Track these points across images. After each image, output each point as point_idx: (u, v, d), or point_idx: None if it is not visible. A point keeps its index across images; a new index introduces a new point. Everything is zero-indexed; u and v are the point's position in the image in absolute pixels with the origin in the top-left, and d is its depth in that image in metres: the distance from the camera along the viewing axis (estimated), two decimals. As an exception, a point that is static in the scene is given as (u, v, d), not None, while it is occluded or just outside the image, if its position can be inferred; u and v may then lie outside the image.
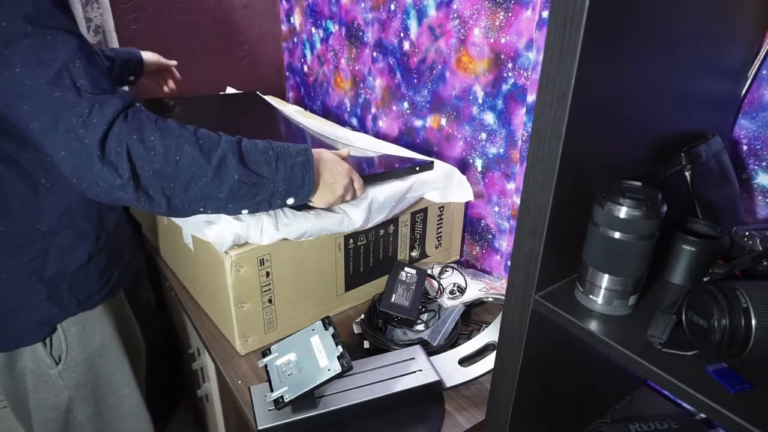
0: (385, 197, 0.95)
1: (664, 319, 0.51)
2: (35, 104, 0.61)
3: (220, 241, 0.81)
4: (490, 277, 1.12)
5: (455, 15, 1.09)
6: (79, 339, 0.86)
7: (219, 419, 1.23)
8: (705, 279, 0.59)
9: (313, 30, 1.62)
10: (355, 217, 0.91)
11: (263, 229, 0.83)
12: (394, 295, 0.97)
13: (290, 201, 0.79)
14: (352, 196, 0.89)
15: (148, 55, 1.28)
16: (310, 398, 0.76)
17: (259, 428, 0.76)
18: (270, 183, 0.75)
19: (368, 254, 1.03)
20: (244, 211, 0.77)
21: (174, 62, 1.36)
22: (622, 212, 0.51)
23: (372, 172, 0.97)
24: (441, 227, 1.15)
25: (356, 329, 0.99)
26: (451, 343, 0.94)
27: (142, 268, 1.48)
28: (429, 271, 1.07)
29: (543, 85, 0.50)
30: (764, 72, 0.70)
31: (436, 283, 1.06)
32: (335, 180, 0.84)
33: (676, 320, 0.51)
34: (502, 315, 0.64)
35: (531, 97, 0.98)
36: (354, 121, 1.56)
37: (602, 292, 0.56)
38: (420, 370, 0.84)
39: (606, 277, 0.55)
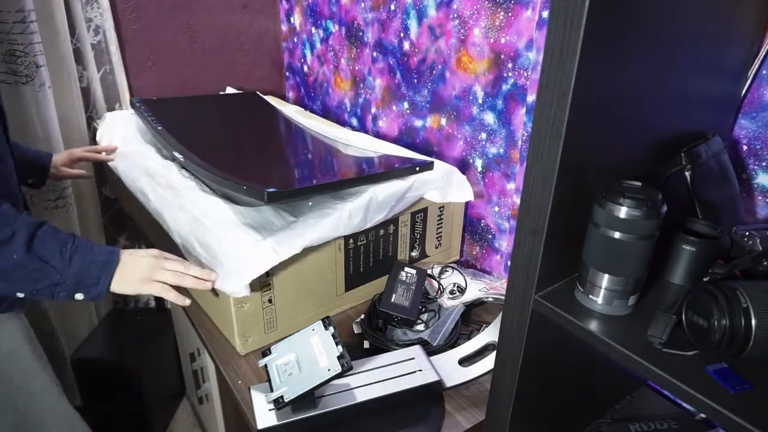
0: (384, 196, 0.95)
1: (664, 319, 0.51)
2: None
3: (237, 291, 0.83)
4: (490, 277, 1.12)
5: (455, 15, 1.09)
6: None
7: (219, 419, 1.23)
8: (705, 279, 0.59)
9: (313, 30, 1.62)
10: (352, 218, 0.91)
11: (262, 258, 0.83)
12: (394, 296, 0.97)
13: (79, 296, 0.76)
14: (170, 278, 0.83)
15: (59, 158, 1.22)
16: (310, 398, 0.76)
17: (258, 428, 0.76)
18: (56, 273, 0.73)
19: (368, 254, 1.03)
20: (20, 294, 0.73)
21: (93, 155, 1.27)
22: (622, 212, 0.51)
23: (372, 171, 0.97)
24: (441, 227, 1.15)
25: (356, 329, 0.99)
26: (451, 343, 0.94)
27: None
28: (429, 271, 1.07)
29: (543, 85, 0.50)
30: (764, 72, 0.70)
31: (436, 283, 1.06)
32: (138, 261, 0.81)
33: (676, 320, 0.51)
34: (502, 315, 0.64)
35: (531, 97, 0.98)
36: (354, 121, 1.56)
37: (602, 292, 0.56)
38: (420, 370, 0.84)
39: (606, 277, 0.55)
